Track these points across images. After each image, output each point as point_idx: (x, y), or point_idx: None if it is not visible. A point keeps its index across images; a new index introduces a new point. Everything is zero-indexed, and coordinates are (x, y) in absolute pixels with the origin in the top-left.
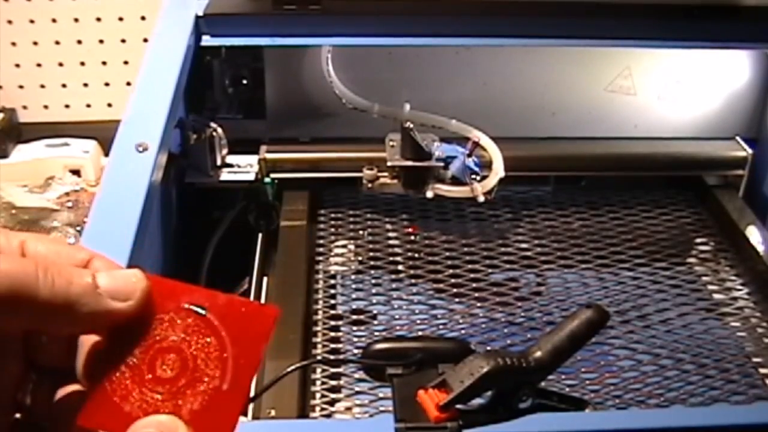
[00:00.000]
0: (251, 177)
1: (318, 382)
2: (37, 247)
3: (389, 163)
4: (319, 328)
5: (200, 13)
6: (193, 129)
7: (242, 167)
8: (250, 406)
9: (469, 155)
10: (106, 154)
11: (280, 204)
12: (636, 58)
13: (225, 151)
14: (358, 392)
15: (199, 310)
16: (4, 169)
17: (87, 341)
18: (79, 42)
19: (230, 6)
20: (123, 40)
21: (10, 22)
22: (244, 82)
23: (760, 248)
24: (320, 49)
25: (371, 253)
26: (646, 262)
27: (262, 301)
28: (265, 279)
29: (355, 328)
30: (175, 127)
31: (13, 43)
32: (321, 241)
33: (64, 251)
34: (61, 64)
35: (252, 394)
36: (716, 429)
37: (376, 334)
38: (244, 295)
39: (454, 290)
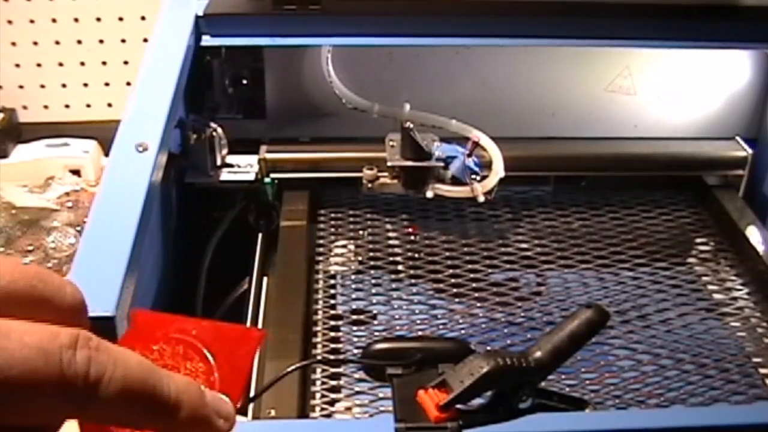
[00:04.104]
0: (251, 177)
1: (318, 382)
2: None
3: (389, 163)
4: (319, 328)
5: (200, 13)
6: (193, 129)
7: (242, 167)
8: (250, 406)
9: (469, 155)
10: (106, 154)
11: (280, 204)
12: (636, 58)
13: (225, 151)
14: (358, 392)
15: (186, 337)
16: (4, 169)
17: None
18: (79, 42)
19: (230, 6)
20: (123, 40)
21: (10, 22)
22: (244, 82)
23: (760, 248)
24: (320, 49)
25: (371, 253)
26: (646, 262)
27: (262, 301)
28: (265, 279)
29: (355, 328)
30: (175, 127)
31: (13, 43)
32: (321, 241)
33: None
34: (61, 64)
35: (251, 394)
36: (716, 429)
37: (376, 334)
38: (244, 295)
39: (454, 290)
